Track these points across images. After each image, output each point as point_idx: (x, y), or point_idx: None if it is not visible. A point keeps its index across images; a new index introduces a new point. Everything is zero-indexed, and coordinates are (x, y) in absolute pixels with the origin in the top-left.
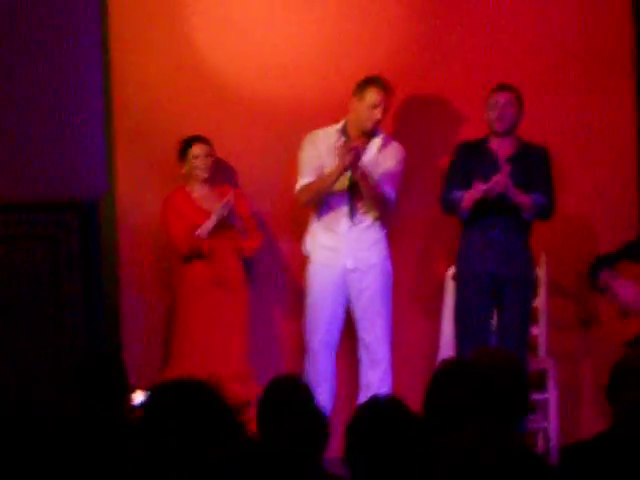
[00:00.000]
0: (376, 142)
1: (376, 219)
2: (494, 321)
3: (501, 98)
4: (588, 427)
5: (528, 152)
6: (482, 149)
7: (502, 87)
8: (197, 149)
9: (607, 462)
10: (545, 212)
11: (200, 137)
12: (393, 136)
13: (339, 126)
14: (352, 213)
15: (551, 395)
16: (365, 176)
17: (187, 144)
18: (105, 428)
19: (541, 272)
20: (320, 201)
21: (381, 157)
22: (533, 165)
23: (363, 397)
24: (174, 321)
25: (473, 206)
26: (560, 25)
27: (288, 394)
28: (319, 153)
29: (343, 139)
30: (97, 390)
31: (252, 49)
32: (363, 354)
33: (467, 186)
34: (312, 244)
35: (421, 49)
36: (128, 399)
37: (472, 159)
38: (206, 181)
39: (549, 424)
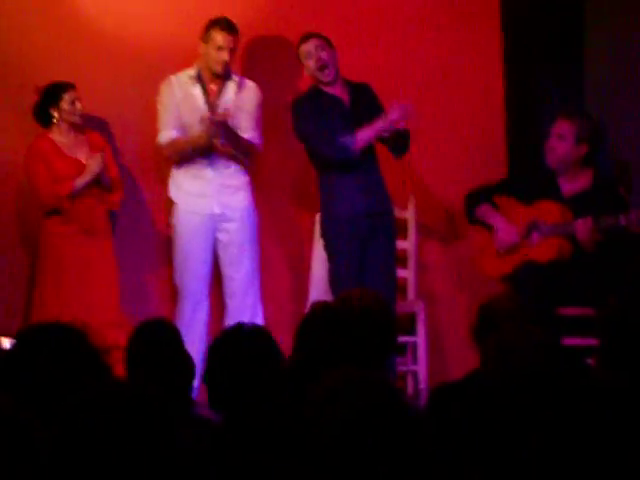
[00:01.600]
0: (231, 85)
1: (241, 164)
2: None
3: (311, 46)
4: (457, 369)
5: (360, 91)
6: (322, 97)
7: (308, 35)
8: (72, 95)
9: (475, 403)
10: (408, 145)
11: (70, 83)
12: (253, 78)
13: (192, 72)
14: (215, 161)
15: (420, 338)
16: (231, 137)
17: (60, 89)
18: None
19: (409, 214)
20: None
21: (239, 100)
22: (370, 102)
23: None
24: (40, 270)
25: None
26: None
27: (155, 336)
28: (176, 100)
29: (207, 114)
30: None
31: None
32: (229, 300)
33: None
34: (177, 190)
35: None
36: None
37: (318, 108)
38: (72, 128)
39: (418, 367)
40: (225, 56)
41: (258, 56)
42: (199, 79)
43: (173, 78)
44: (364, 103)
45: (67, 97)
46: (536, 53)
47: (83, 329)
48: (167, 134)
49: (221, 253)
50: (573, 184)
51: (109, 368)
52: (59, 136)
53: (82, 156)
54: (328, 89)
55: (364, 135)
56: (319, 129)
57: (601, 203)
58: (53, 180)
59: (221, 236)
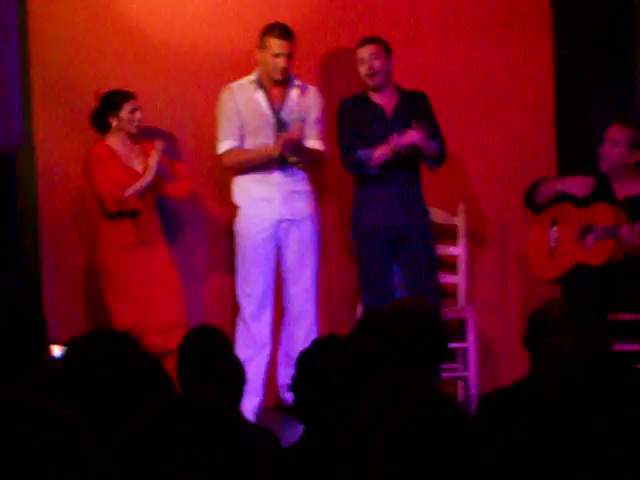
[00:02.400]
0: (294, 90)
1: (307, 170)
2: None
3: (365, 52)
4: (507, 375)
5: (410, 100)
6: (367, 104)
7: (365, 41)
8: (132, 104)
9: (526, 409)
10: (443, 157)
11: (131, 92)
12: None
13: (253, 77)
14: (283, 167)
15: (470, 344)
16: (302, 151)
17: (121, 98)
18: (23, 379)
19: (459, 221)
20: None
21: (303, 105)
22: (417, 112)
23: (284, 350)
24: (101, 281)
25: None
26: None
27: (205, 342)
28: (238, 107)
29: (282, 133)
30: (15, 342)
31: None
32: (289, 305)
33: (363, 144)
34: (242, 196)
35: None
36: (47, 351)
37: (360, 115)
38: (129, 137)
39: (468, 373)
40: (282, 63)
41: (313, 59)
42: (260, 84)
43: (234, 85)
44: (410, 113)
45: (127, 106)
46: (587, 56)
47: (136, 336)
48: (227, 144)
49: (283, 259)
50: (627, 189)
51: (166, 374)
52: (115, 144)
53: (138, 166)
54: (375, 97)
55: (380, 153)
56: (345, 138)
57: None
58: (114, 186)
59: (284, 242)
